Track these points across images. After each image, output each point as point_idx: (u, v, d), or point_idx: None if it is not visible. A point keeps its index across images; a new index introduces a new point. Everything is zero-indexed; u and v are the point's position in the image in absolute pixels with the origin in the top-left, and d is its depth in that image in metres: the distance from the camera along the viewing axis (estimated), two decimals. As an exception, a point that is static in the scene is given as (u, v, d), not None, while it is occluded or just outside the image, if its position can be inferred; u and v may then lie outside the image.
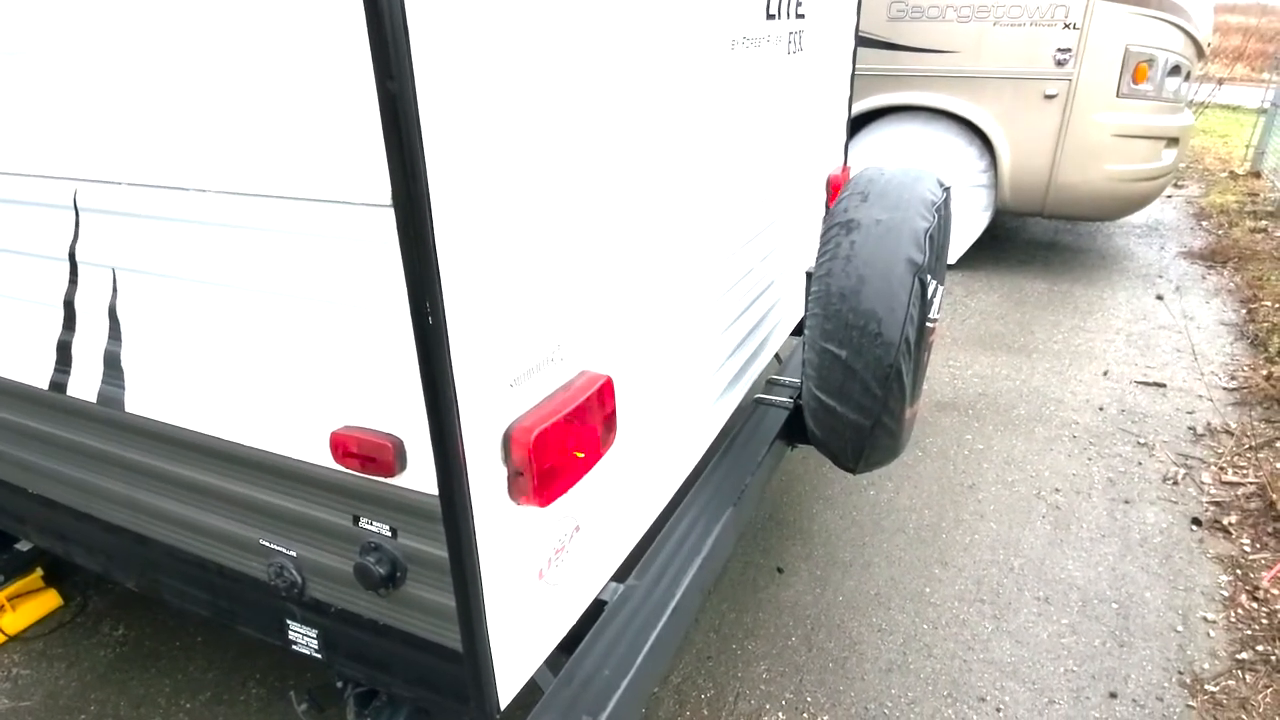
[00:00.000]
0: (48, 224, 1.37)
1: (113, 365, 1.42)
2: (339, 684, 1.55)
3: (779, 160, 2.33)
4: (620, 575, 1.72)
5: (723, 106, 1.83)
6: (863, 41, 4.89)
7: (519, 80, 1.10)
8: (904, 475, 3.22)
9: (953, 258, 5.52)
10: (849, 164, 3.20)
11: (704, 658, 2.35)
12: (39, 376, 1.54)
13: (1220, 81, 11.90)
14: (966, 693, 2.21)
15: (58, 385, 1.52)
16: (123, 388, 1.43)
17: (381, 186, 0.98)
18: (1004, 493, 3.11)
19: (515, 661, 1.32)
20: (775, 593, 2.59)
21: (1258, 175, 8.31)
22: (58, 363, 1.50)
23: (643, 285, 1.58)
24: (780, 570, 2.70)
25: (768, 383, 2.64)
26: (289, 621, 1.47)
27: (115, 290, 1.35)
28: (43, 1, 1.19)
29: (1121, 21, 4.65)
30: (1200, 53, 5.01)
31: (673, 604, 1.66)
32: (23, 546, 2.44)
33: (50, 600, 2.51)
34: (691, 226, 1.77)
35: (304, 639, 1.47)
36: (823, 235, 2.01)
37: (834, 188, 2.92)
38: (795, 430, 2.39)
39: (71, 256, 1.37)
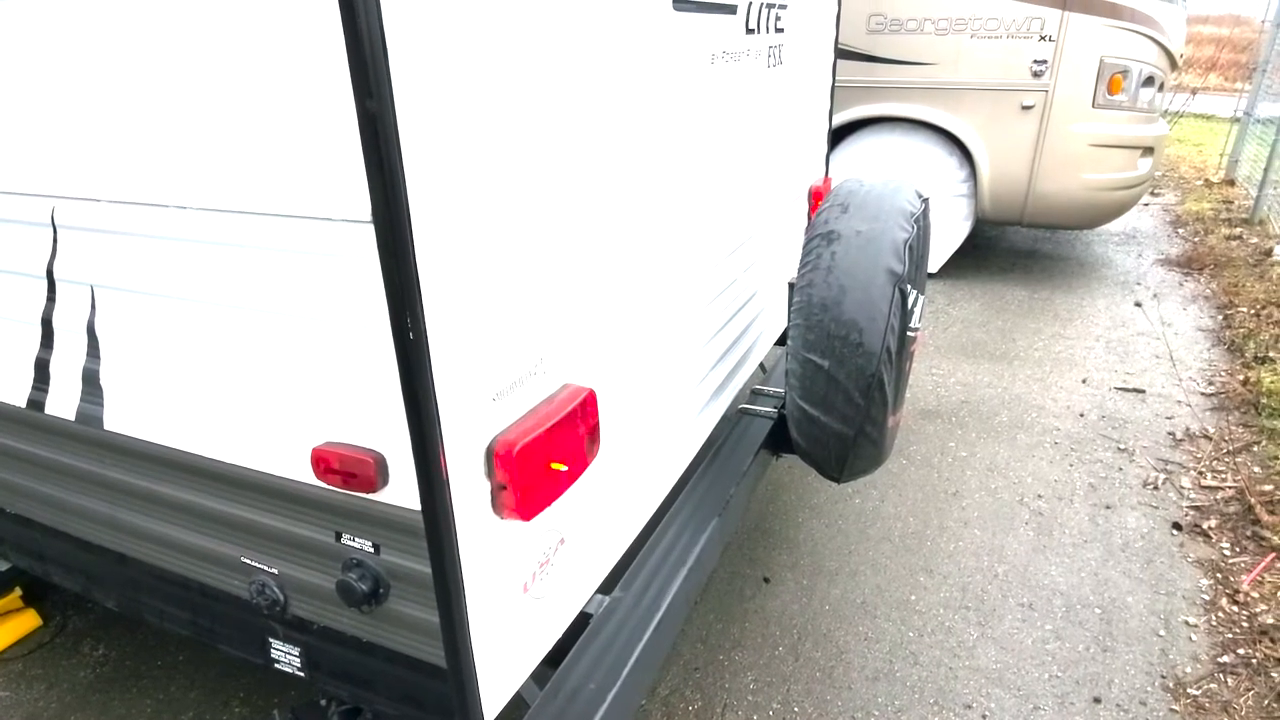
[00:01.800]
0: (25, 241, 1.36)
1: (91, 383, 1.41)
2: (323, 702, 1.54)
3: (761, 172, 2.35)
4: (606, 587, 1.72)
5: (703, 120, 1.84)
6: (843, 54, 4.96)
7: (498, 96, 1.11)
8: (889, 483, 3.24)
9: (934, 267, 5.57)
10: (830, 175, 3.23)
11: (691, 669, 2.35)
12: (16, 395, 1.53)
13: (1194, 91, 12.09)
14: (953, 700, 2.22)
15: (36, 403, 1.51)
16: (101, 405, 1.42)
17: (361, 203, 0.98)
18: (987, 499, 3.14)
19: (500, 676, 1.31)
20: (762, 602, 2.60)
21: (1232, 183, 8.45)
22: (35, 380, 1.49)
23: (626, 298, 1.58)
24: (767, 580, 2.70)
25: (752, 393, 2.65)
26: (271, 640, 1.46)
27: (94, 307, 1.34)
28: (22, 19, 1.18)
29: (1096, 34, 4.74)
30: (1173, 63, 5.10)
31: (659, 615, 1.66)
32: (1, 566, 2.41)
33: (29, 620, 2.47)
34: (674, 238, 1.78)
35: (286, 657, 1.46)
36: (804, 246, 2.03)
37: (815, 199, 2.94)
38: (780, 440, 2.40)
39: (49, 274, 1.36)
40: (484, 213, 1.11)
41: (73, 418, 1.47)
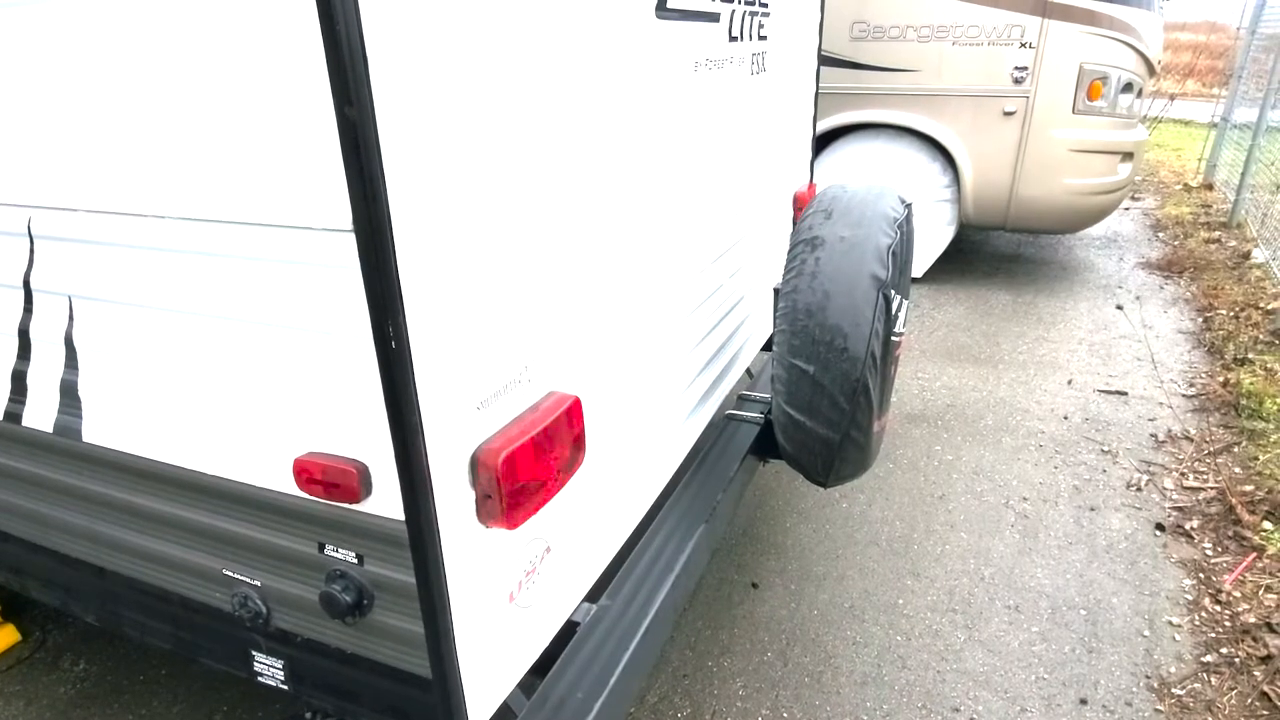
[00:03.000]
0: (1, 252, 1.34)
1: (69, 394, 1.40)
2: (307, 715, 1.52)
3: (745, 178, 2.36)
4: (593, 595, 1.71)
5: (688, 127, 1.85)
6: (826, 61, 4.98)
7: (480, 104, 1.10)
8: (876, 487, 3.25)
9: (919, 271, 5.61)
10: (815, 181, 3.25)
11: (680, 676, 2.34)
12: (-7, 407, 1.51)
13: (1172, 97, 12.27)
14: (940, 704, 2.23)
15: (13, 416, 1.49)
16: (80, 417, 1.40)
17: (342, 211, 0.98)
18: (973, 503, 3.15)
19: (486, 687, 1.30)
20: (750, 608, 2.60)
21: (1210, 187, 8.57)
22: (12, 392, 1.47)
23: (611, 304, 1.58)
24: (755, 585, 2.70)
25: (738, 398, 2.66)
26: (254, 653, 1.44)
27: (71, 318, 1.33)
28: (-5, 28, 1.17)
29: (1075, 41, 4.79)
30: (1151, 70, 5.17)
31: (646, 623, 1.66)
32: (-23, 582, 2.37)
33: (8, 636, 2.43)
34: (659, 245, 1.78)
35: (270, 670, 1.44)
36: (789, 252, 2.04)
37: (800, 205, 2.96)
38: (766, 445, 2.41)
39: (26, 284, 1.35)
40: (467, 220, 1.11)
41: (50, 430, 1.45)
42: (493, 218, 1.17)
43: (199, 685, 2.29)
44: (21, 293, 1.36)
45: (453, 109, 1.05)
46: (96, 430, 1.40)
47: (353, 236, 0.98)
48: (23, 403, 1.47)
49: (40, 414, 1.45)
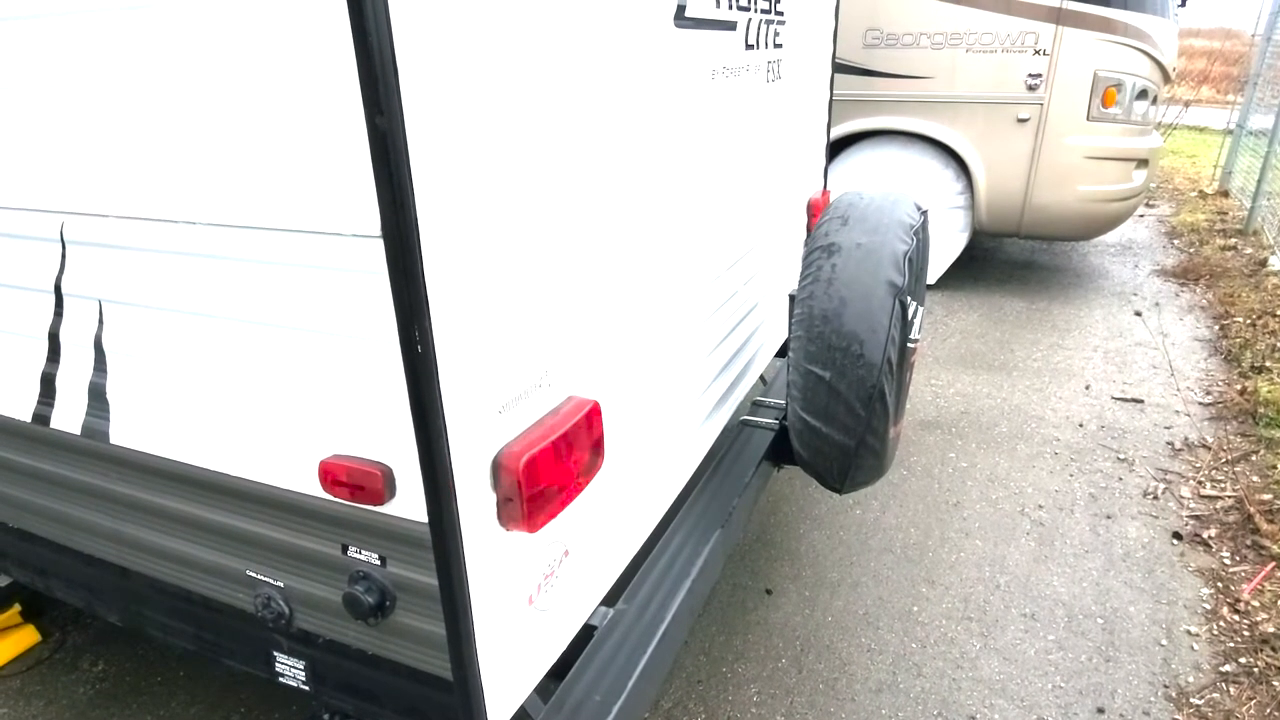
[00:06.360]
0: (34, 256, 1.37)
1: (97, 397, 1.42)
2: (326, 716, 1.53)
3: (761, 185, 2.37)
4: (609, 599, 1.72)
5: (704, 135, 1.86)
6: (840, 68, 5.00)
7: (505, 114, 1.12)
8: (890, 494, 3.24)
9: (932, 278, 5.60)
10: (829, 188, 3.25)
11: (694, 681, 2.34)
12: (22, 409, 1.53)
13: (1187, 104, 12.21)
14: (956, 711, 2.22)
15: (41, 418, 1.51)
16: (107, 419, 1.43)
17: (370, 218, 0.99)
18: (988, 510, 3.14)
19: (505, 689, 1.31)
20: (764, 614, 2.59)
21: (1226, 194, 8.51)
22: (41, 395, 1.49)
23: (629, 310, 1.59)
24: (769, 592, 2.70)
25: (753, 404, 2.66)
26: (275, 653, 1.46)
27: (101, 322, 1.35)
28: (33, 36, 1.20)
29: (1089, 48, 4.78)
30: (1166, 76, 5.15)
31: (662, 628, 1.66)
32: (0, 582, 2.40)
33: (28, 636, 2.46)
34: (676, 251, 1.79)
35: (291, 671, 1.46)
36: (804, 258, 2.05)
37: (814, 211, 2.96)
38: (781, 451, 2.41)
39: (57, 289, 1.37)
40: (492, 227, 1.12)
41: (78, 432, 1.47)
42: (517, 225, 1.18)
43: (217, 686, 2.31)
44: (53, 297, 1.38)
45: (479, 119, 1.07)
46: (124, 432, 1.42)
47: (381, 243, 0.99)
48: (51, 405, 1.49)
49: (68, 416, 1.48)
